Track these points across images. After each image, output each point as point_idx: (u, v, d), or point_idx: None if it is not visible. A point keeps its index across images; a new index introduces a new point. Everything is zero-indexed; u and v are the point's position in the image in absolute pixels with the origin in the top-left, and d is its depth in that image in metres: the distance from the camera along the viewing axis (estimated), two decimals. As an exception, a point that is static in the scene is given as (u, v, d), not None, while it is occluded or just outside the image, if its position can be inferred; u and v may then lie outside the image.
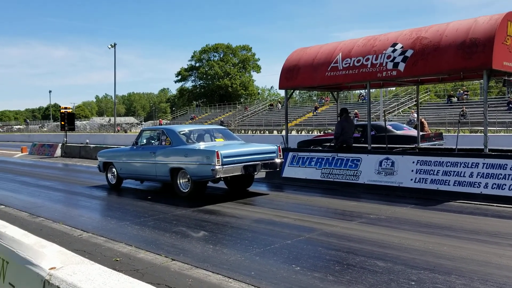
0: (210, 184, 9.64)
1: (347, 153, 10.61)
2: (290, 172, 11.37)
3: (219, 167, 8.34)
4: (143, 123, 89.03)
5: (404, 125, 17.87)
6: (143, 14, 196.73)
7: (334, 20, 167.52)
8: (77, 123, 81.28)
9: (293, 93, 13.47)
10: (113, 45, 46.07)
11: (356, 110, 35.13)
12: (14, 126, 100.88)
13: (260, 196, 9.89)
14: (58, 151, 23.75)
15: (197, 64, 78.87)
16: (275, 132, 37.77)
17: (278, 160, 9.73)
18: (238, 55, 77.75)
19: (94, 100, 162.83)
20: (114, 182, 11.12)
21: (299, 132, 35.64)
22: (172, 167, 9.28)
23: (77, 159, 21.31)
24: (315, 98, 56.73)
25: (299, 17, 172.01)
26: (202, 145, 9.29)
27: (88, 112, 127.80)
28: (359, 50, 10.39)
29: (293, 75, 11.57)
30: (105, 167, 11.25)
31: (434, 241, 5.66)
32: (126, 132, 63.55)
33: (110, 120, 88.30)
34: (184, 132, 9.81)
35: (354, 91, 43.17)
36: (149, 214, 7.88)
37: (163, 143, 9.74)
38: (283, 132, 14.55)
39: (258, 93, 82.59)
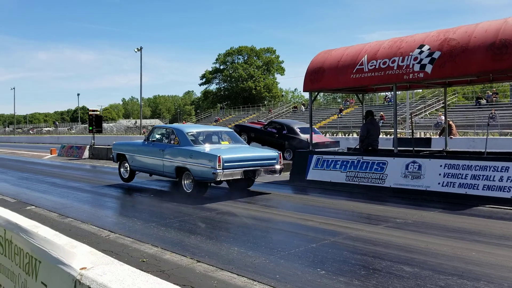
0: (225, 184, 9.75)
1: (372, 156, 10.49)
2: (314, 175, 11.32)
3: (220, 171, 8.78)
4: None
5: (316, 129, 22.15)
6: (168, 18, 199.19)
7: (359, 21, 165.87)
8: (104, 125, 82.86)
9: (317, 95, 13.39)
10: (139, 48, 46.81)
11: (381, 112, 34.69)
12: (43, 128, 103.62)
13: (284, 199, 9.89)
14: (86, 153, 24.27)
15: (222, 67, 79.40)
16: (299, 135, 37.62)
17: (278, 167, 10.04)
18: (262, 57, 77.90)
19: (121, 102, 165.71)
20: (126, 176, 11.83)
21: (324, 135, 35.39)
22: (177, 166, 9.75)
23: (104, 161, 21.72)
24: (339, 100, 56.25)
25: (323, 19, 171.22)
26: (207, 148, 9.65)
27: (115, 114, 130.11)
28: (385, 52, 10.27)
29: (318, 77, 11.52)
30: (119, 158, 11.96)
31: (462, 246, 5.54)
32: (151, 134, 64.43)
33: (136, 122, 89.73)
34: (192, 133, 10.19)
35: (379, 93, 42.65)
36: (174, 215, 7.97)
37: (172, 142, 10.17)
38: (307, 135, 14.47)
39: (282, 95, 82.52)
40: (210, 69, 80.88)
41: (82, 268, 2.23)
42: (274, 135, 17.88)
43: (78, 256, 2.37)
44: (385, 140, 18.61)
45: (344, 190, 10.26)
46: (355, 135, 28.73)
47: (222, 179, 9.05)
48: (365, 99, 13.94)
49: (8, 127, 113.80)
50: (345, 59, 11.08)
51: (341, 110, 43.86)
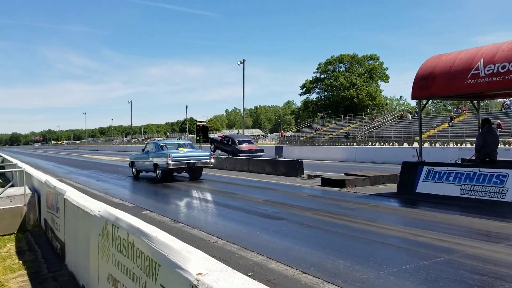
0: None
1: (490, 168, 9.58)
2: (424, 187, 10.64)
3: (170, 162, 15.25)
4: (269, 135, 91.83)
5: (252, 140, 31.53)
6: (269, 30, 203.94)
7: (471, 23, 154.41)
8: (210, 135, 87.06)
9: (427, 103, 12.63)
10: (242, 61, 48.46)
11: (499, 120, 31.70)
12: (156, 139, 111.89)
13: (392, 212, 9.44)
14: (194, 162, 25.54)
15: (322, 76, 78.93)
16: (405, 144, 35.71)
17: (210, 160, 16.63)
18: (365, 64, 75.90)
19: (224, 113, 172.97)
20: (135, 174, 18.86)
21: (433, 144, 33.18)
22: (154, 163, 16.37)
23: (210, 169, 22.71)
24: (450, 108, 52.49)
25: (430, 22, 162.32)
26: (167, 151, 15.95)
27: (219, 125, 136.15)
28: (504, 55, 9.36)
29: (428, 84, 10.86)
30: (131, 165, 19.17)
31: None
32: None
33: (238, 132, 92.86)
34: (162, 144, 17.47)
35: (496, 100, 39.03)
36: (279, 224, 8.01)
37: (152, 150, 17.16)
38: (415, 145, 13.73)
39: (386, 103, 79.35)
40: (311, 79, 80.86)
41: (198, 274, 2.30)
42: (224, 144, 27.61)
43: (194, 262, 2.46)
44: (503, 150, 17.17)
45: (458, 205, 9.48)
46: (468, 145, 26.56)
47: (172, 168, 15.43)
48: (480, 106, 12.81)
49: (126, 137, 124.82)
50: (458, 63, 10.30)
51: (452, 118, 40.93)
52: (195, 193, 13.18)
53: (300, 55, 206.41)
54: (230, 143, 27.10)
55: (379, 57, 75.92)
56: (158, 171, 16.22)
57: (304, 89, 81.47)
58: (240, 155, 24.70)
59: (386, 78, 76.12)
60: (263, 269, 5.38)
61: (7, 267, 5.62)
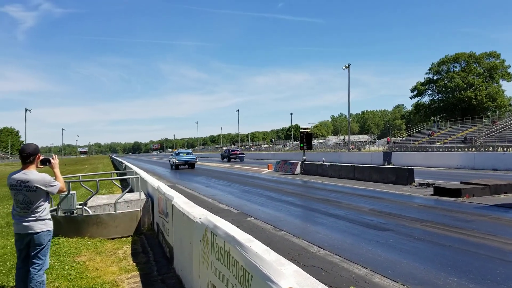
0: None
1: None
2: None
3: (175, 161, 35.96)
4: (377, 140, 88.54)
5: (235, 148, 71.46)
6: (375, 32, 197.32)
7: None
8: (314, 141, 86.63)
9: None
10: (347, 66, 47.53)
11: None
12: (262, 146, 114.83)
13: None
14: (298, 169, 25.65)
15: (435, 77, 74.13)
16: (533, 149, 31.94)
17: (196, 161, 36.99)
18: (483, 63, 69.59)
19: (330, 119, 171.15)
20: (173, 168, 36.34)
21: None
22: (172, 161, 37.39)
23: (314, 176, 22.54)
24: None
25: None
26: (176, 156, 37.05)
27: (324, 131, 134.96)
28: None
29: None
30: (172, 162, 37.74)
31: None
32: (360, 150, 64.25)
33: (344, 138, 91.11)
34: (177, 152, 39.66)
35: None
36: (385, 235, 7.59)
37: (173, 155, 39.51)
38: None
39: (510, 104, 71.69)
40: (422, 80, 76.39)
41: (289, 288, 2.21)
42: (226, 152, 51.49)
43: (286, 275, 2.37)
44: None
45: None
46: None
47: (178, 164, 35.67)
48: None
49: (234, 144, 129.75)
50: None
51: None
52: (298, 201, 13.12)
53: (410, 56, 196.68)
54: (228, 151, 52.14)
55: (499, 54, 69.08)
56: (173, 165, 36.52)
57: (415, 92, 77.18)
58: (231, 156, 49.71)
59: (508, 77, 68.87)
60: (366, 283, 5.10)
61: (122, 268, 6.06)
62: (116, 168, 35.38)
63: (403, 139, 67.60)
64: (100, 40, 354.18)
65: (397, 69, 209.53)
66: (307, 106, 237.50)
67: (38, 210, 4.24)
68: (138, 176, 10.63)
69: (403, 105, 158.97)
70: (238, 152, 51.31)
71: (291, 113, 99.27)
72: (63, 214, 8.20)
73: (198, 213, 4.84)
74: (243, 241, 3.07)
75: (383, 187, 15.92)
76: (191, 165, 35.68)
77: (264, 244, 3.05)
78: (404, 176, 16.67)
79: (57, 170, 4.53)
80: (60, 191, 4.40)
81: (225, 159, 50.17)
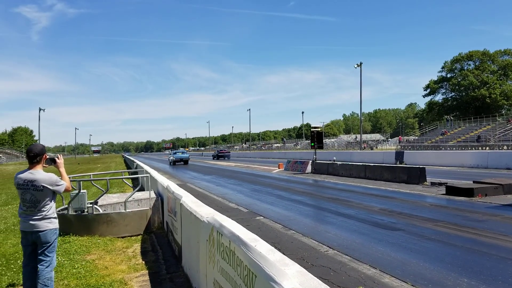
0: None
1: None
2: None
3: (173, 159, 45.87)
4: (389, 139, 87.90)
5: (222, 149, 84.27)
6: (388, 30, 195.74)
7: None
8: (326, 140, 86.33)
9: None
10: (359, 64, 47.17)
11: None
12: (273, 145, 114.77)
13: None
14: (309, 168, 25.56)
15: (449, 75, 73.30)
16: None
17: (189, 158, 47.39)
18: (498, 61, 68.61)
19: (341, 118, 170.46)
20: (172, 164, 44.24)
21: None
22: (170, 158, 48.13)
23: (325, 175, 22.44)
24: None
25: None
26: (173, 154, 49.19)
27: (336, 130, 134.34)
28: None
29: None
30: (170, 159, 47.83)
31: None
32: (372, 149, 63.85)
33: (356, 137, 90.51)
34: (174, 151, 55.27)
35: None
36: (395, 235, 7.52)
37: (170, 153, 55.81)
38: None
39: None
40: (435, 79, 75.59)
41: (292, 289, 2.19)
42: (216, 152, 65.14)
43: (289, 276, 2.35)
44: None
45: None
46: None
47: (174, 161, 45.14)
48: None
49: (245, 143, 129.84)
50: None
51: None
52: (308, 201, 13.07)
53: (423, 55, 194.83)
54: (217, 151, 64.65)
55: (515, 51, 68.02)
56: (172, 163, 43.27)
57: (428, 90, 76.44)
58: (219, 155, 60.48)
59: (523, 75, 67.85)
60: (375, 283, 5.06)
61: (132, 267, 6.09)
62: (128, 167, 35.65)
63: (416, 137, 66.95)
64: (112, 40, 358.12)
65: (410, 68, 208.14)
66: (319, 105, 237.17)
67: (44, 209, 4.30)
68: (148, 175, 10.68)
69: (416, 103, 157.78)
70: (225, 151, 64.87)
71: (303, 112, 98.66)
72: (74, 213, 8.27)
73: (205, 212, 4.84)
74: (247, 240, 3.05)
75: (394, 186, 15.78)
76: (185, 161, 45.19)
77: (272, 243, 3.05)
78: (416, 175, 16.51)
79: (62, 170, 4.59)
80: (66, 190, 4.45)
81: (215, 158, 60.97)
